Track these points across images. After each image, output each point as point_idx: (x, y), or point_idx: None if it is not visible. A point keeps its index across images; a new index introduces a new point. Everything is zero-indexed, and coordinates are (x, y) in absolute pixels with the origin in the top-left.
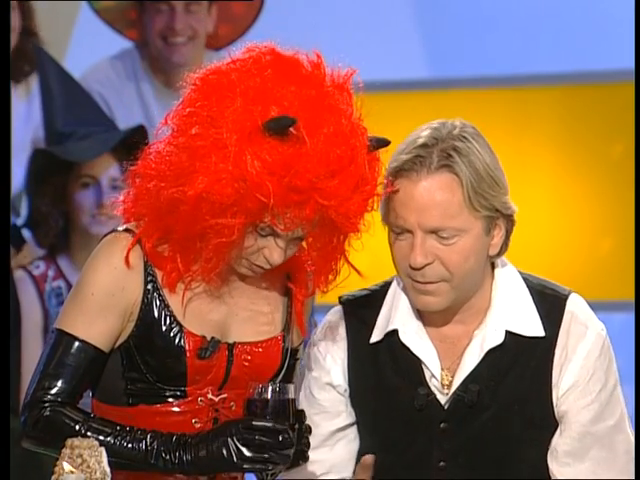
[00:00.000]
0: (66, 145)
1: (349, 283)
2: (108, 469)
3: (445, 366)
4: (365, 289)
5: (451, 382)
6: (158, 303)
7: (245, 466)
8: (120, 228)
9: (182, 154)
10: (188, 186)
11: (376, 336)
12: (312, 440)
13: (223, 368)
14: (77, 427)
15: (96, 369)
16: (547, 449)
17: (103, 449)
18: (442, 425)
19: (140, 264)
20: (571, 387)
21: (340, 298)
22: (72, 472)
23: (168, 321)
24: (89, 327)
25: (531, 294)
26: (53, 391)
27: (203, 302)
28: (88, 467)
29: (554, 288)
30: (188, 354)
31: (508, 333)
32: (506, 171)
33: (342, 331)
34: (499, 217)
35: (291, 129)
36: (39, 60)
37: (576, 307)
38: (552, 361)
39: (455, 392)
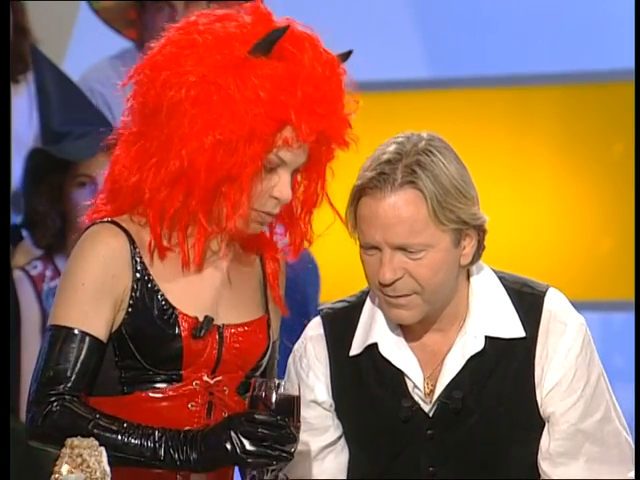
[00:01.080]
0: (63, 144)
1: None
2: (108, 468)
3: (426, 375)
4: (343, 300)
5: (433, 390)
6: (149, 287)
7: (249, 460)
8: (104, 220)
9: (178, 111)
10: (197, 138)
11: (355, 349)
12: (301, 457)
13: (215, 350)
14: (85, 424)
15: (97, 360)
16: (535, 449)
17: (103, 449)
18: (429, 432)
19: (126, 251)
20: (555, 386)
21: (320, 311)
22: (71, 472)
23: (161, 305)
24: (85, 318)
25: (509, 295)
26: (59, 386)
27: (191, 285)
28: (88, 467)
29: (531, 285)
30: (183, 334)
31: (488, 338)
32: (506, 171)
33: (323, 346)
34: (468, 228)
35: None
36: (34, 60)
37: (554, 304)
38: (533, 361)
39: (439, 399)
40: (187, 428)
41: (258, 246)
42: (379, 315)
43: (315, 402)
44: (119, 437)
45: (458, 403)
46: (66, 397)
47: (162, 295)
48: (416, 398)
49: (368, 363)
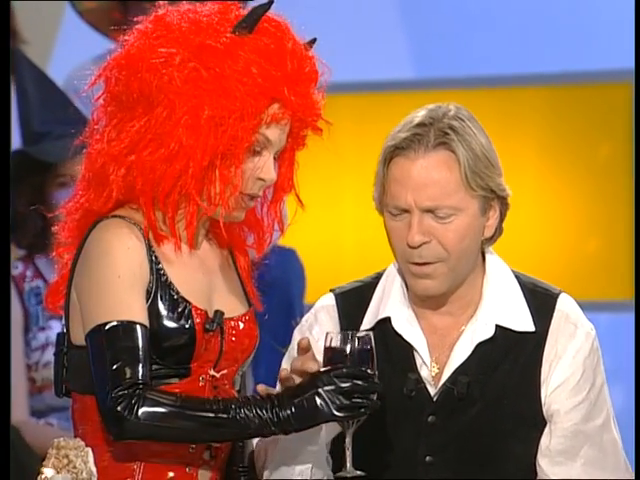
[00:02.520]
0: (42, 145)
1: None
2: (94, 469)
3: (434, 357)
4: (357, 281)
5: (439, 374)
6: (162, 281)
7: (339, 414)
8: (110, 216)
9: (171, 96)
10: (191, 116)
11: (367, 324)
12: None
13: (218, 343)
14: (176, 409)
15: (150, 348)
16: (534, 446)
17: (89, 450)
18: (430, 418)
19: (142, 243)
20: (561, 385)
21: (332, 290)
22: (57, 473)
23: (174, 298)
24: (131, 309)
25: (522, 290)
26: (133, 380)
27: (194, 278)
28: (74, 467)
29: (545, 287)
30: (197, 327)
31: (498, 327)
32: None
33: (335, 317)
34: (494, 198)
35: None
36: (14, 61)
37: (566, 306)
38: (542, 357)
39: (444, 384)
40: (265, 393)
41: (228, 240)
42: (394, 292)
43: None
44: (209, 414)
45: (463, 388)
46: (143, 388)
47: (174, 288)
48: (423, 374)
49: (378, 338)
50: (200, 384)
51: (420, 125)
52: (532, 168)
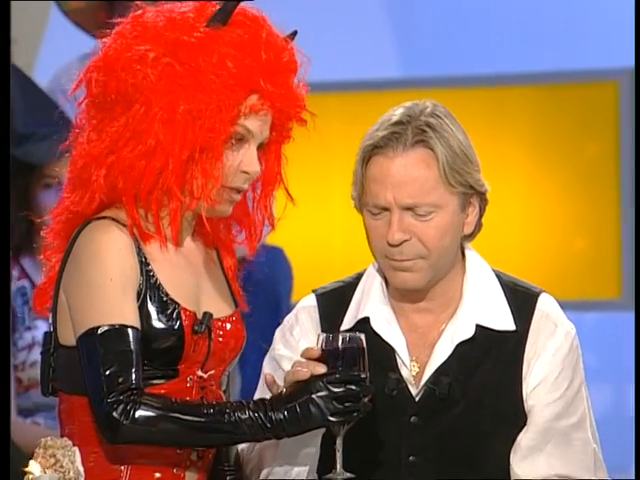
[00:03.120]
0: (26, 147)
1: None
2: (82, 468)
3: (414, 357)
4: (338, 281)
5: (420, 374)
6: (151, 282)
7: (333, 419)
8: (98, 217)
9: (147, 94)
10: (167, 111)
11: (347, 324)
12: None
13: (206, 344)
14: (171, 412)
15: (142, 351)
16: None
17: (77, 449)
18: (412, 419)
19: (131, 244)
20: (540, 383)
21: (314, 290)
22: (44, 473)
23: (163, 299)
24: (124, 312)
25: (503, 289)
26: (127, 384)
27: (181, 278)
28: (61, 467)
29: (526, 286)
30: (186, 329)
31: (479, 327)
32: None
33: (315, 318)
34: (473, 194)
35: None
36: None
37: (547, 305)
38: (522, 356)
39: (426, 384)
40: (259, 397)
41: (214, 240)
42: (373, 291)
43: None
44: (211, 418)
45: (445, 389)
46: (137, 394)
47: (164, 289)
48: (404, 374)
49: None
50: (187, 385)
51: (398, 123)
52: (519, 167)
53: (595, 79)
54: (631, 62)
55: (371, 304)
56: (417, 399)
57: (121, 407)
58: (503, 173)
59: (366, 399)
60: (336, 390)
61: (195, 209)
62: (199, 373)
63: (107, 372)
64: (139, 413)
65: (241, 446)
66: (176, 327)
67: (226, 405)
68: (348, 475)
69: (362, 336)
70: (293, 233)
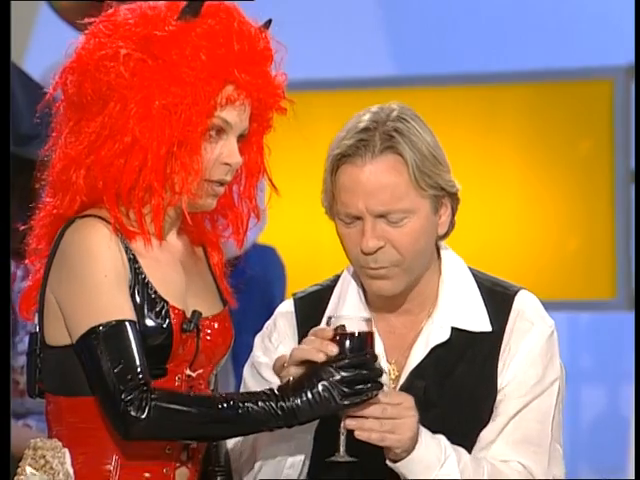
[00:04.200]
0: (31, 146)
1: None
2: (71, 470)
3: (392, 359)
4: (316, 284)
5: (398, 377)
6: (140, 279)
7: (345, 402)
8: (82, 215)
9: (126, 92)
10: (142, 107)
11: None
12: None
13: (194, 343)
14: (184, 406)
15: (142, 344)
16: None
17: (66, 451)
18: (365, 463)
19: (118, 241)
20: (510, 381)
21: (293, 295)
22: (34, 474)
23: (151, 297)
24: (122, 307)
25: (479, 289)
26: (136, 381)
27: (169, 276)
28: (51, 468)
29: (504, 285)
30: (174, 327)
31: (454, 329)
32: (472, 170)
33: (292, 323)
34: (444, 196)
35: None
36: None
37: (524, 304)
38: (497, 356)
39: (402, 388)
40: (268, 387)
41: (200, 236)
42: (349, 295)
43: None
44: (223, 410)
45: (420, 392)
46: (148, 389)
47: (152, 287)
48: (383, 379)
49: None
50: (176, 384)
51: (365, 130)
52: (512, 166)
53: (589, 77)
54: (625, 60)
55: (348, 307)
56: None
57: (136, 404)
58: (495, 172)
59: (381, 379)
60: (347, 374)
61: (178, 204)
62: (187, 372)
63: (116, 370)
64: (154, 409)
65: (230, 443)
66: (165, 325)
67: (237, 396)
68: (350, 458)
69: (370, 318)
70: (286, 232)
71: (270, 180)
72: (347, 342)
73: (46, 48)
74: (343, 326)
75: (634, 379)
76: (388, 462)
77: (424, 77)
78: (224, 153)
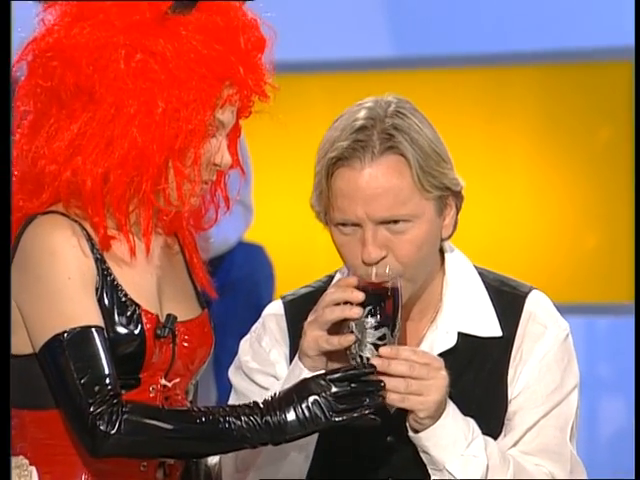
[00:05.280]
0: None
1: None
2: None
3: None
4: (308, 285)
5: None
6: (108, 281)
7: (337, 419)
8: (46, 212)
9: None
10: (145, 112)
11: None
12: None
13: (170, 350)
14: (159, 421)
15: (111, 352)
16: None
17: (34, 468)
18: (388, 439)
19: (85, 242)
20: (524, 389)
21: (282, 297)
22: None
23: (122, 301)
24: (87, 312)
25: (487, 291)
26: (104, 390)
27: (142, 279)
28: None
29: (513, 285)
30: (147, 333)
31: (461, 335)
32: (479, 160)
33: (283, 326)
34: (449, 196)
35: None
36: None
37: (536, 306)
38: (508, 363)
39: None
40: (253, 401)
41: (173, 226)
42: None
43: (275, 377)
44: (202, 425)
45: None
46: (119, 401)
47: (122, 289)
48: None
49: None
50: (150, 395)
51: (361, 129)
52: (523, 156)
53: (608, 58)
54: None
55: None
56: (394, 416)
57: (106, 417)
58: (505, 163)
59: (381, 392)
60: (339, 389)
61: (171, 216)
62: (162, 382)
63: (82, 381)
64: (126, 423)
65: (213, 459)
66: (136, 331)
67: (218, 410)
68: (374, 417)
69: (397, 278)
70: (274, 229)
71: (240, 166)
72: (372, 292)
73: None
74: (372, 283)
75: (634, 381)
76: (410, 434)
77: (426, 58)
78: (215, 153)
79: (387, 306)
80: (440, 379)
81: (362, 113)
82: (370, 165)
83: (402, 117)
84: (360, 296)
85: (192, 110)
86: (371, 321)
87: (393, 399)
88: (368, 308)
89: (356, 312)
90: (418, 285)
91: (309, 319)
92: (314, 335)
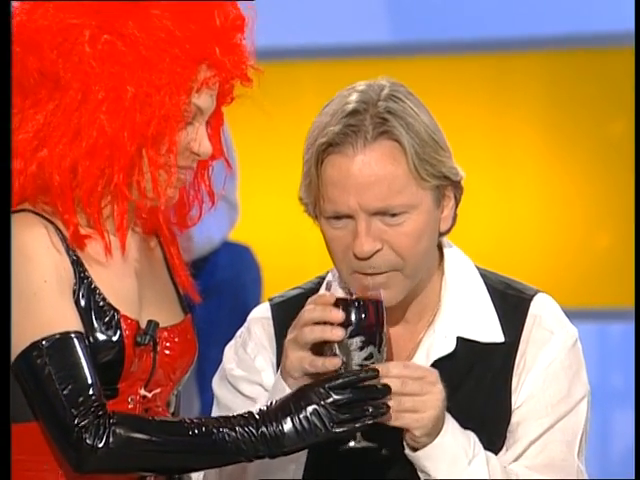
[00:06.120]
0: None
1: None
2: None
3: None
4: (297, 287)
5: None
6: (85, 284)
7: (337, 430)
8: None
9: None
10: (113, 98)
11: None
12: None
13: (150, 358)
14: (148, 433)
15: (92, 358)
16: None
17: None
18: (383, 451)
19: (59, 242)
20: (528, 399)
21: (270, 299)
22: None
23: (99, 305)
24: (66, 317)
25: (489, 293)
26: (89, 399)
27: (120, 282)
28: None
29: (518, 288)
30: (126, 341)
31: (460, 340)
32: (480, 154)
33: (270, 331)
34: (447, 186)
35: None
36: None
37: (542, 309)
38: (512, 371)
39: None
40: (246, 411)
41: (152, 224)
42: None
43: (261, 385)
44: (194, 437)
45: None
46: (104, 412)
47: (100, 293)
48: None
49: None
50: (129, 406)
51: (353, 113)
52: (530, 149)
53: (619, 43)
54: None
55: None
56: (392, 428)
57: (93, 430)
58: (510, 156)
59: (385, 399)
60: (340, 397)
61: (146, 210)
62: (142, 392)
63: (65, 391)
64: (114, 435)
65: (198, 474)
66: (115, 338)
67: (211, 421)
68: (369, 444)
69: (380, 296)
70: (262, 228)
71: (226, 160)
72: (354, 307)
73: None
74: (348, 290)
75: (634, 384)
76: (407, 452)
77: (426, 44)
78: (194, 141)
79: (370, 322)
80: (435, 394)
81: (354, 96)
82: (363, 151)
83: (397, 101)
84: (340, 315)
85: (165, 94)
86: (355, 341)
87: (386, 417)
88: (350, 328)
89: (337, 334)
90: (417, 282)
91: (289, 336)
92: (296, 356)
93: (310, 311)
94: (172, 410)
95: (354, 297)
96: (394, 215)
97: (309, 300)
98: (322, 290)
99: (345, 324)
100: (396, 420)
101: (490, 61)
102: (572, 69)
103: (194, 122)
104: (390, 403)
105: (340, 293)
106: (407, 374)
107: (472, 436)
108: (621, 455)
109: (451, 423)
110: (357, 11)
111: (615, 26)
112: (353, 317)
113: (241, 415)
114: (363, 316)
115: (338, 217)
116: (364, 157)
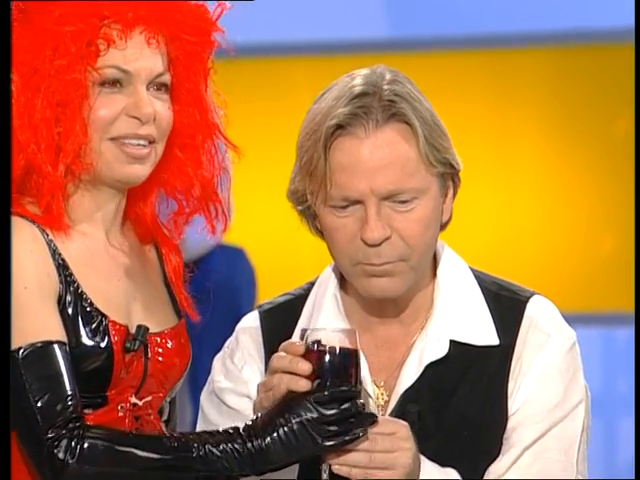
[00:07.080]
0: None
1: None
2: None
3: (379, 381)
4: (287, 293)
5: (388, 402)
6: (72, 289)
7: (327, 444)
8: None
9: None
10: (21, 76)
11: None
12: None
13: (141, 365)
14: (125, 447)
15: (73, 370)
16: None
17: None
18: None
19: (44, 245)
20: (524, 404)
21: (259, 307)
22: None
23: (87, 310)
24: (45, 325)
25: (484, 295)
26: (65, 412)
27: (108, 286)
28: None
29: (513, 290)
30: (115, 347)
31: (453, 343)
32: (484, 152)
33: (258, 340)
34: (449, 175)
35: None
36: None
37: (538, 312)
38: (507, 375)
39: (391, 415)
40: (232, 426)
41: (153, 234)
42: (325, 304)
43: (248, 397)
44: (175, 453)
45: (414, 418)
46: (80, 425)
47: (87, 298)
48: (370, 405)
49: None
50: (119, 415)
51: (361, 95)
52: (532, 147)
53: (625, 39)
54: None
55: (323, 319)
56: None
57: (64, 443)
58: (512, 155)
59: (372, 412)
60: (327, 412)
61: (94, 183)
62: (133, 400)
63: (39, 403)
64: (87, 450)
65: None
66: (103, 345)
67: (193, 436)
68: None
69: (355, 330)
70: (256, 230)
71: (224, 137)
72: (325, 360)
73: None
74: (319, 341)
75: (634, 388)
76: None
77: (425, 39)
78: (129, 105)
79: (342, 373)
80: (407, 450)
81: (359, 80)
82: (374, 134)
83: (400, 84)
84: (306, 368)
85: (60, 64)
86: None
87: (355, 474)
88: (317, 381)
89: (302, 386)
90: (419, 275)
91: (261, 380)
92: (265, 397)
93: (279, 359)
94: (165, 418)
95: (327, 347)
96: (403, 202)
97: (281, 346)
98: (298, 330)
99: (315, 375)
100: (366, 477)
101: (490, 58)
102: (573, 66)
103: (128, 87)
104: (361, 459)
105: (315, 337)
106: (377, 431)
107: (453, 474)
108: (626, 461)
109: (428, 468)
110: (353, 6)
111: (616, 22)
112: (324, 367)
113: (226, 430)
114: (335, 367)
115: (344, 205)
116: (375, 140)
